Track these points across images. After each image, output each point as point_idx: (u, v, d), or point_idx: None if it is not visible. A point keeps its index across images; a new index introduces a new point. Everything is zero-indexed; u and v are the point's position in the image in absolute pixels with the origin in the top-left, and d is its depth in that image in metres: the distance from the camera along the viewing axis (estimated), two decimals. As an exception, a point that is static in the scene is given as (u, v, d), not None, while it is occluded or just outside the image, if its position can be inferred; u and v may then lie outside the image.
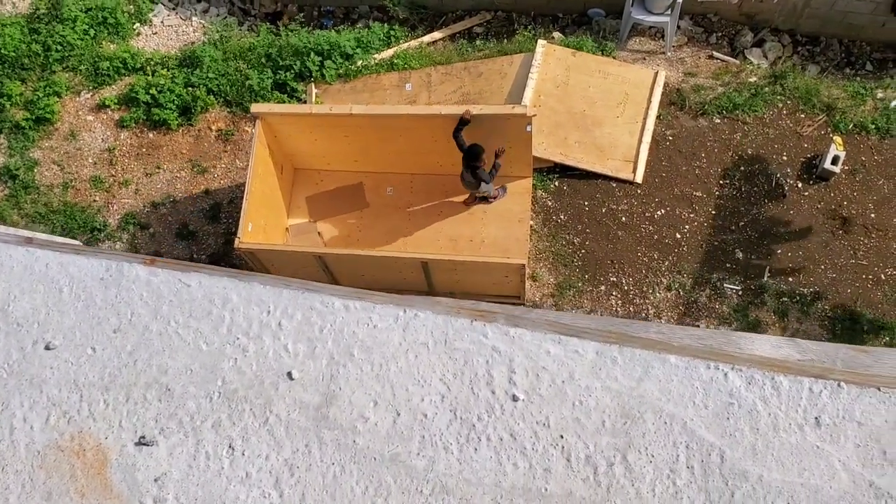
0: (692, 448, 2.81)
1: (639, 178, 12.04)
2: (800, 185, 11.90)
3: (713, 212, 11.89)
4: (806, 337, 11.10)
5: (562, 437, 2.94)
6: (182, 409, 3.12)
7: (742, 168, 12.08)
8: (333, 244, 11.83)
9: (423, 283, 11.00)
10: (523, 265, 10.24)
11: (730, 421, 2.86)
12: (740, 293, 11.43)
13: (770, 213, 11.80)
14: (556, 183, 12.23)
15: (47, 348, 3.49)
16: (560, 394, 2.98)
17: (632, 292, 11.56)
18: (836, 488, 2.66)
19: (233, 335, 3.26)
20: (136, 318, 3.34)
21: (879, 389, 2.77)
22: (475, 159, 10.46)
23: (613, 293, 11.57)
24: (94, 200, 12.78)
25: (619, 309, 11.44)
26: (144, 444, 3.29)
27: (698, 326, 11.13)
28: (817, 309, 11.29)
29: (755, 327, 11.22)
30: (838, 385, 2.79)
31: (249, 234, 10.64)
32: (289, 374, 3.19)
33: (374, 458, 3.01)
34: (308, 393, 3.13)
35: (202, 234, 12.46)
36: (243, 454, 3.18)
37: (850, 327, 11.13)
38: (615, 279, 11.64)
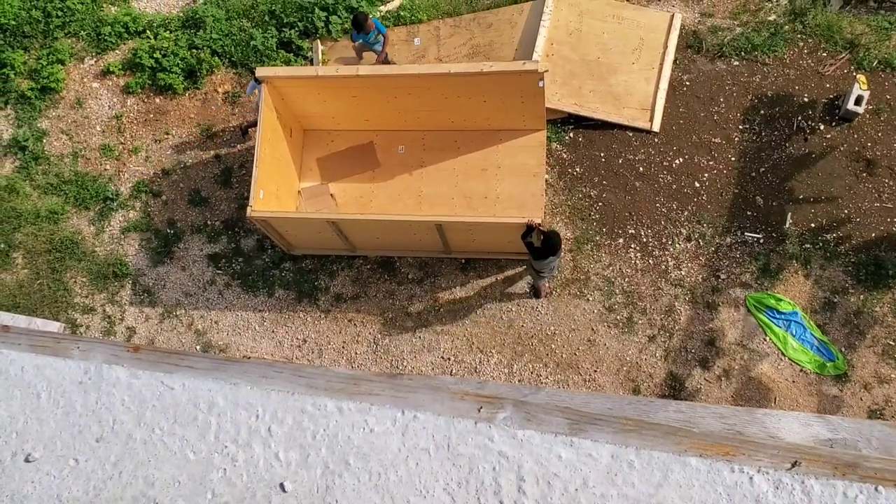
0: None
1: (656, 127, 11.74)
2: (822, 127, 11.55)
3: (733, 158, 11.59)
4: (829, 283, 10.92)
5: None
6: None
7: (762, 112, 11.72)
8: (347, 206, 11.69)
9: (439, 243, 10.87)
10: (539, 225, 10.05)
11: None
12: (762, 241, 11.22)
13: (791, 158, 11.49)
14: (571, 134, 11.95)
15: (27, 460, 3.24)
16: (573, 503, 2.78)
17: (651, 244, 11.38)
18: None
19: (221, 443, 3.05)
20: (118, 425, 3.09)
21: None
22: (554, 251, 9.78)
23: (632, 246, 11.39)
24: (105, 169, 12.67)
25: (638, 262, 11.28)
26: None
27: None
28: (841, 254, 11.06)
29: (777, 275, 11.04)
30: (875, 489, 2.58)
31: (261, 202, 10.52)
32: (281, 485, 2.97)
33: (377, 580, 2.78)
34: None
35: (215, 199, 12.36)
36: (238, 574, 2.96)
37: (874, 272, 10.91)
38: (633, 231, 11.45)
